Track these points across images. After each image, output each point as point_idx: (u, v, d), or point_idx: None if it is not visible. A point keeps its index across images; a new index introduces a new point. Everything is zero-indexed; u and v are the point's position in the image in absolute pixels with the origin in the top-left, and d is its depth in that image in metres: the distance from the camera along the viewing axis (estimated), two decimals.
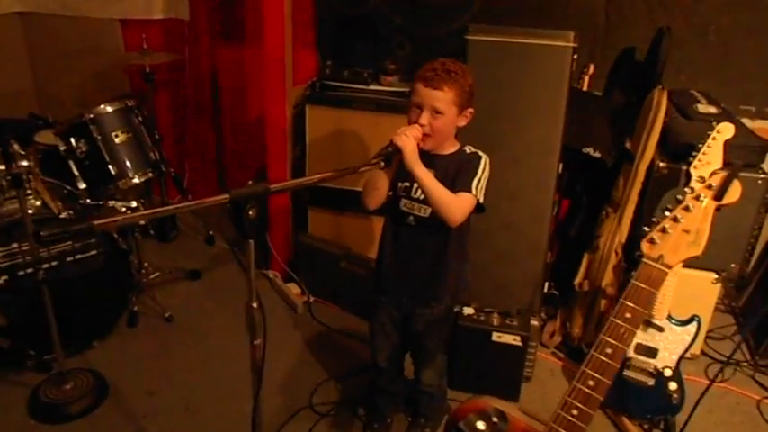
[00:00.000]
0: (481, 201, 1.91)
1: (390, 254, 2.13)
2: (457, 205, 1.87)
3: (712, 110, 2.69)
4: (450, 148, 1.99)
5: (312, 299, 3.27)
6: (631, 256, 2.72)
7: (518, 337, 2.49)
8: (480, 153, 1.98)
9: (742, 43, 3.06)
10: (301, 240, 3.29)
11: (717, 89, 3.04)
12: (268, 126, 3.20)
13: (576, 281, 2.82)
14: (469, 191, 1.89)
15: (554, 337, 2.97)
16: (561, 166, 2.69)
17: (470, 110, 1.93)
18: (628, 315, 1.33)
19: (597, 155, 2.86)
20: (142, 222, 3.12)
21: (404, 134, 1.81)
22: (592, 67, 3.18)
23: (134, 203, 2.97)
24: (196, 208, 3.69)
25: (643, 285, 1.34)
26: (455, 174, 1.93)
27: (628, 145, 2.69)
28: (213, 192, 4.39)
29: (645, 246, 1.36)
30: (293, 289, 3.31)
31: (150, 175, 2.97)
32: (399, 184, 2.01)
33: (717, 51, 3.10)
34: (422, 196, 1.95)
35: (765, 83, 3.09)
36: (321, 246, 3.24)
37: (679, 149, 2.54)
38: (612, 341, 1.31)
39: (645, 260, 1.35)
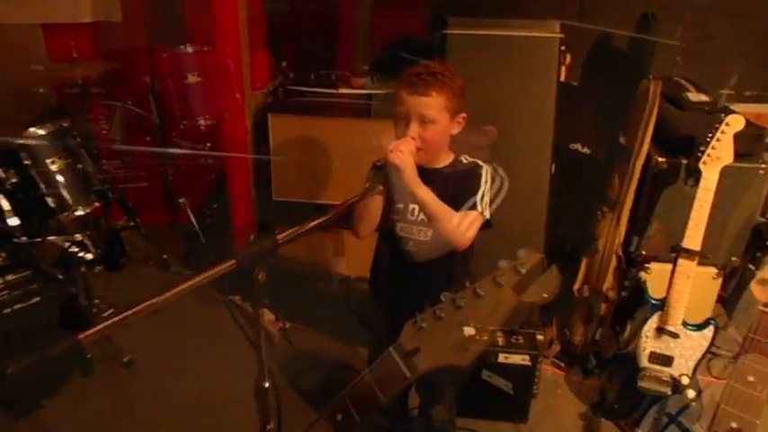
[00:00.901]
0: (488, 217, 1.70)
1: (387, 283, 1.89)
2: (464, 227, 1.65)
3: (703, 98, 2.57)
4: (445, 159, 1.77)
5: (288, 325, 2.98)
6: (629, 256, 2.58)
7: (527, 357, 2.30)
8: (479, 162, 1.76)
9: (719, 24, 2.96)
10: (273, 265, 2.99)
11: (693, 72, 2.93)
12: (225, 138, 2.89)
13: (576, 286, 2.66)
14: (475, 208, 1.67)
15: (552, 345, 2.81)
16: (554, 166, 2.52)
17: (463, 114, 1.71)
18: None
19: (586, 151, 2.70)
20: (90, 256, 2.76)
21: (398, 150, 1.58)
22: (569, 57, 3.00)
23: (79, 236, 2.60)
24: (202, 281, 3.34)
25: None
26: (455, 189, 1.72)
27: (622, 140, 2.54)
28: (161, 211, 4.11)
29: (756, 290, 1.16)
30: (266, 315, 3.01)
31: (97, 204, 2.60)
32: (393, 206, 1.76)
33: (694, 34, 2.99)
34: (420, 217, 1.74)
35: (743, 64, 3.00)
36: (293, 266, 2.95)
37: (677, 142, 2.41)
38: None
39: (762, 308, 1.15)
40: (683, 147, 2.38)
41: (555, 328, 2.85)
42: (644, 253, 2.56)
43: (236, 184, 2.89)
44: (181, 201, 3.57)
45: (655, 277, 2.56)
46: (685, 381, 2.24)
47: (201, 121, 3.34)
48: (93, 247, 2.65)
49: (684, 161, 2.38)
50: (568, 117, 2.64)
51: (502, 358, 2.31)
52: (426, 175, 1.65)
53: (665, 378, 2.26)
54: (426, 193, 1.61)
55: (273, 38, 3.20)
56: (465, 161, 1.77)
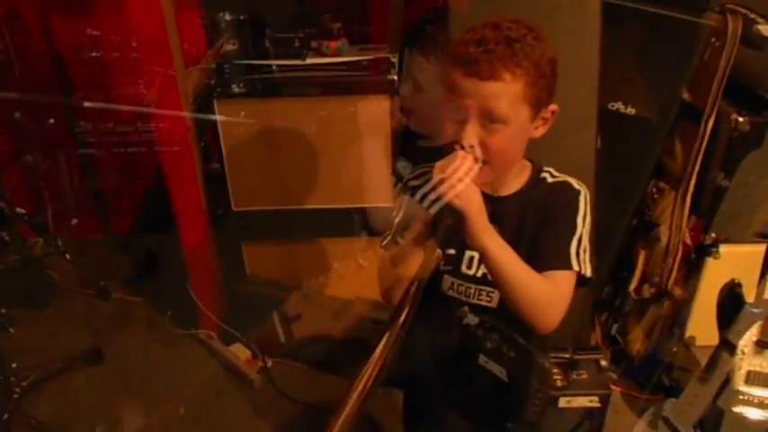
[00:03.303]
0: (588, 274, 1.10)
1: (427, 364, 1.30)
2: (550, 297, 1.06)
3: None
4: (519, 177, 1.16)
5: (270, 362, 2.37)
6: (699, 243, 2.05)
7: (595, 398, 1.77)
8: (572, 181, 1.15)
9: None
10: (241, 289, 2.35)
11: None
12: (158, 135, 2.17)
13: (632, 286, 2.12)
14: (568, 266, 1.07)
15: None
16: (599, 138, 1.93)
17: (553, 106, 1.08)
18: None
19: (631, 111, 2.11)
20: None
21: (458, 180, 0.97)
22: None
23: None
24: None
25: None
26: (536, 228, 1.11)
27: (686, 96, 1.95)
28: (92, 225, 3.32)
29: None
30: (240, 353, 2.38)
31: None
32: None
33: None
34: (481, 272, 1.14)
35: None
36: (271, 292, 2.32)
37: (761, 95, 1.84)
38: None
39: None
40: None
41: (599, 329, 2.33)
42: (713, 235, 2.04)
43: (180, 196, 2.19)
44: None
45: (725, 263, 2.06)
46: None
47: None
48: None
49: None
50: (602, 65, 2.03)
51: (563, 403, 1.77)
52: (489, 205, 1.03)
53: (767, 402, 1.78)
54: (498, 247, 1.00)
55: None
56: (550, 179, 1.15)
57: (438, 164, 1.01)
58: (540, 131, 1.09)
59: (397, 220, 1.17)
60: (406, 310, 0.82)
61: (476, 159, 1.01)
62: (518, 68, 0.98)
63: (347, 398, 0.72)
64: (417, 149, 1.72)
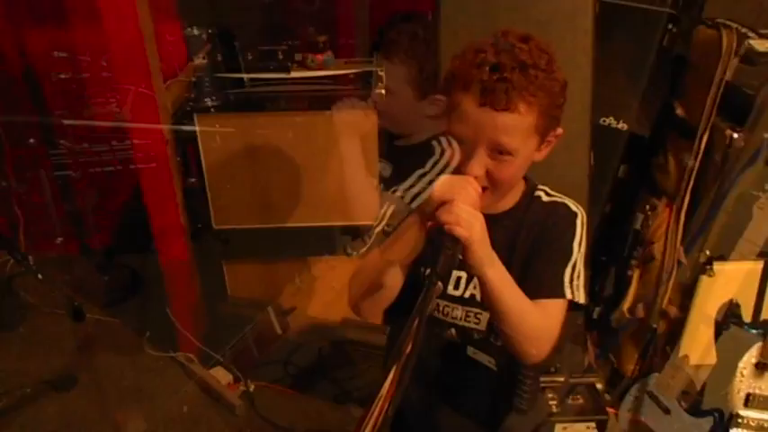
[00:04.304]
0: (581, 301, 1.04)
1: (417, 386, 1.22)
2: (542, 329, 1.01)
3: None
4: (512, 194, 1.10)
5: (252, 386, 2.28)
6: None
7: (592, 424, 1.71)
8: (569, 203, 1.10)
9: None
10: (222, 310, 2.26)
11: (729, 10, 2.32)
12: (136, 150, 2.08)
13: (626, 305, 2.07)
14: (561, 294, 1.02)
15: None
16: (592, 155, 1.88)
17: (559, 131, 1.02)
18: None
19: (623, 126, 2.07)
20: None
21: (460, 208, 0.90)
22: None
23: None
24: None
25: None
26: (530, 248, 1.06)
27: (679, 111, 1.92)
28: (66, 239, 3.17)
29: None
30: (221, 377, 2.29)
31: None
32: (425, 270, 1.07)
33: None
34: (468, 293, 1.09)
35: None
36: (253, 313, 2.23)
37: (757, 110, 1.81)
38: None
39: None
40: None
41: (591, 349, 2.28)
42: (708, 253, 2.00)
43: (159, 213, 2.10)
44: None
45: (720, 281, 2.02)
46: None
47: None
48: None
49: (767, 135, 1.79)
50: (595, 80, 1.99)
51: (559, 429, 1.71)
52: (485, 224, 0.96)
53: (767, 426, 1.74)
54: (499, 277, 0.94)
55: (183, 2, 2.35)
56: (545, 198, 1.10)
57: (441, 182, 0.95)
58: (543, 154, 1.04)
59: (378, 229, 1.10)
60: (409, 347, 0.76)
61: (481, 186, 0.95)
62: (533, 98, 0.92)
63: None
64: (394, 149, 1.72)
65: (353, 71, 1.86)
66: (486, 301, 0.99)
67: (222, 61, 2.05)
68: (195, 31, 2.13)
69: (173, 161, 2.09)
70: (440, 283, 0.83)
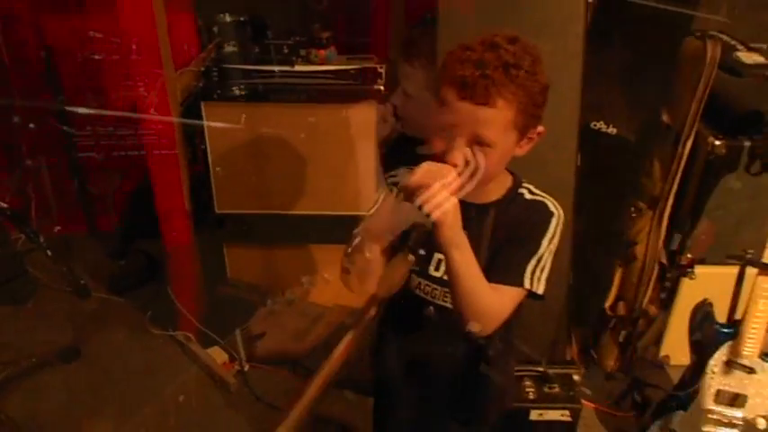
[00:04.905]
0: (539, 292, 1.12)
1: (397, 361, 1.32)
2: (493, 310, 1.09)
3: (758, 58, 2.03)
4: (498, 187, 1.17)
5: (247, 366, 2.37)
6: (673, 260, 2.09)
7: (567, 412, 1.79)
8: (548, 203, 1.16)
9: None
10: (222, 292, 2.35)
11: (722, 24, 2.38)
12: (146, 136, 2.18)
13: (608, 303, 2.15)
14: (519, 283, 1.10)
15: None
16: (579, 157, 1.96)
17: (540, 129, 1.10)
18: None
19: (612, 131, 2.15)
20: None
21: (437, 194, 0.98)
22: None
23: None
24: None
25: None
26: (503, 241, 1.14)
27: (665, 117, 1.99)
28: (75, 219, 3.30)
29: None
30: (218, 357, 2.38)
31: None
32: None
33: None
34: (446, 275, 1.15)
35: None
36: (251, 296, 2.33)
37: (737, 119, 1.89)
38: None
39: None
40: (745, 125, 1.88)
41: (575, 344, 2.36)
42: (689, 256, 2.07)
43: (165, 197, 2.19)
44: None
45: (701, 284, 2.09)
46: (762, 424, 1.79)
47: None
48: None
49: (748, 143, 1.88)
50: (586, 85, 2.06)
51: (534, 416, 1.79)
52: (465, 212, 1.04)
53: (735, 421, 1.80)
54: (464, 262, 1.03)
55: None
56: (528, 196, 1.17)
57: (422, 167, 1.01)
58: (525, 150, 1.11)
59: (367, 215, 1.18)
60: (373, 310, 0.84)
61: (459, 175, 1.03)
62: (512, 96, 0.99)
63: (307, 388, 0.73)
64: (417, 157, 1.75)
65: (354, 67, 1.94)
66: (448, 278, 1.07)
67: (241, 52, 2.09)
68: (228, 18, 2.12)
69: (180, 147, 2.19)
70: (411, 256, 0.92)
